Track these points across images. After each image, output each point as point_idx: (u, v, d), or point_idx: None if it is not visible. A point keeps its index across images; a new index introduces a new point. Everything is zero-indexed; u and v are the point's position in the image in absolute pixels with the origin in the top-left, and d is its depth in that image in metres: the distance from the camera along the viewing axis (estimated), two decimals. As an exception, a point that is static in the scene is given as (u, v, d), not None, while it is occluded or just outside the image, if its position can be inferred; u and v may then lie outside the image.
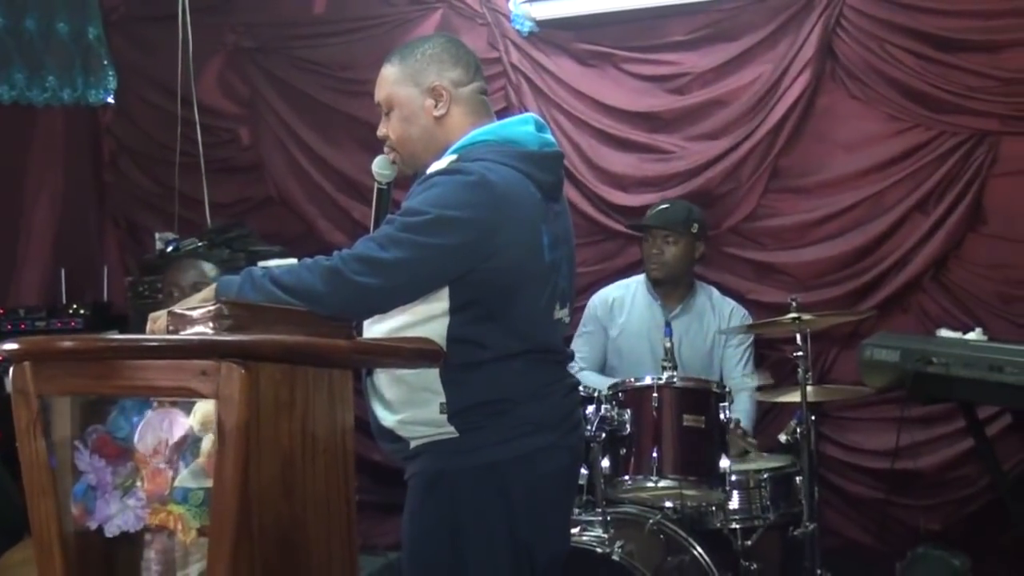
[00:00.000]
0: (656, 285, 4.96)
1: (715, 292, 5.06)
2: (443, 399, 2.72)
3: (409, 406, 2.76)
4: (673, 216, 4.89)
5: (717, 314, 4.98)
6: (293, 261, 3.74)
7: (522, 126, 2.90)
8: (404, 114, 2.88)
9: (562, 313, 2.91)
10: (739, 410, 4.64)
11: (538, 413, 2.79)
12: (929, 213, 4.95)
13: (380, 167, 2.95)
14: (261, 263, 2.79)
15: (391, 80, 2.89)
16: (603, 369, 4.98)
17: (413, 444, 2.78)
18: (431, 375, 2.72)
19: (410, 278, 2.64)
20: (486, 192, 2.66)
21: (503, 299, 2.72)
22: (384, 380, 2.79)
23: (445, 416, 2.72)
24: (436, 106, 2.86)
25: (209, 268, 4.61)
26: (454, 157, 2.77)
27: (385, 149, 2.95)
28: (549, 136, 2.96)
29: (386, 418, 2.79)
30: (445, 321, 2.70)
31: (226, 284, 2.61)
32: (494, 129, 2.86)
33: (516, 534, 2.76)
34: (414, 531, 2.80)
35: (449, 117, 2.87)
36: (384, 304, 2.68)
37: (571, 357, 3.10)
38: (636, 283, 5.07)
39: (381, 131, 2.94)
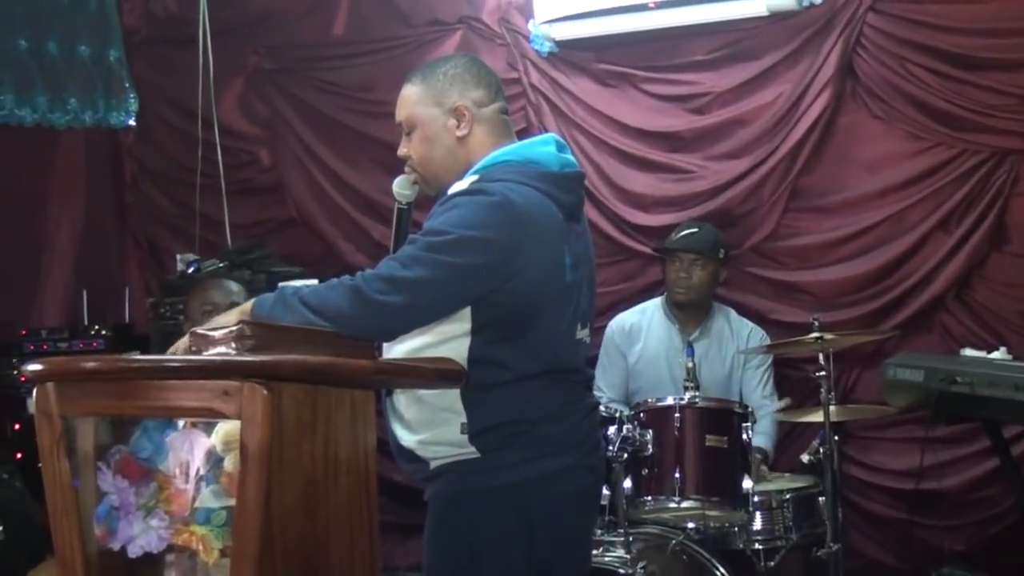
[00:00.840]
0: (678, 308, 4.95)
1: (732, 313, 5.04)
2: (464, 419, 2.71)
3: (429, 426, 2.74)
4: (702, 241, 4.88)
5: (736, 336, 4.96)
6: (315, 282, 3.75)
7: (543, 147, 2.89)
8: (426, 134, 2.86)
9: (583, 333, 2.90)
10: (761, 432, 4.63)
11: (558, 433, 2.78)
12: (951, 232, 4.93)
13: (400, 187, 2.95)
14: (283, 284, 2.78)
15: (413, 100, 2.88)
16: (626, 397, 4.95)
17: (433, 465, 2.77)
18: (452, 395, 2.70)
19: (432, 298, 2.63)
20: (509, 212, 2.66)
21: (524, 319, 2.71)
22: (404, 400, 2.78)
23: (466, 436, 2.71)
24: (459, 126, 2.85)
25: (236, 288, 4.61)
26: (476, 177, 2.76)
27: (406, 169, 2.94)
28: (570, 156, 2.95)
29: (406, 438, 2.77)
30: (466, 341, 2.69)
31: (261, 303, 2.62)
32: (515, 149, 2.85)
33: (535, 556, 2.74)
34: (434, 552, 2.79)
35: (471, 137, 2.85)
36: (407, 323, 2.67)
37: (591, 378, 3.08)
38: (653, 307, 5.06)
39: (402, 151, 2.92)
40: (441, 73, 2.88)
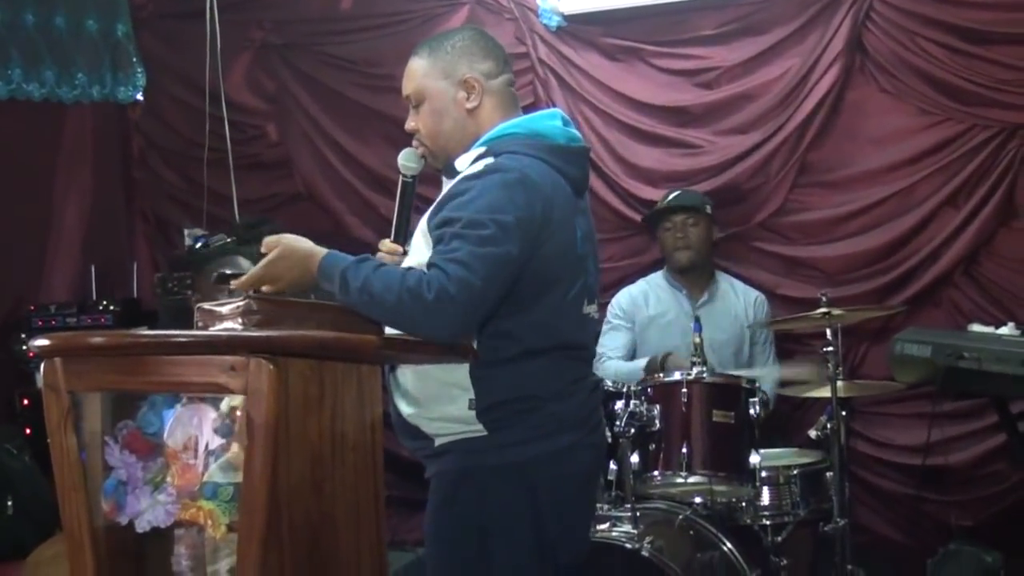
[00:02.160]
0: (681, 274, 4.97)
1: (735, 280, 5.08)
2: (472, 395, 2.71)
3: (436, 402, 2.75)
4: (690, 198, 4.95)
5: (742, 300, 5.00)
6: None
7: (550, 120, 2.89)
8: (436, 107, 2.86)
9: (590, 308, 2.91)
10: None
11: (564, 411, 2.78)
12: (960, 207, 4.91)
13: (407, 159, 2.94)
14: (351, 265, 2.74)
15: (421, 73, 2.87)
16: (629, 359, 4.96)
17: (438, 442, 2.77)
18: (460, 371, 2.71)
19: (491, 292, 2.60)
20: (530, 188, 2.67)
21: (537, 292, 2.72)
22: (409, 375, 2.77)
23: (474, 413, 2.71)
24: (468, 99, 2.85)
25: (246, 264, 4.62)
26: (483, 149, 2.77)
27: (414, 143, 2.93)
28: (575, 131, 2.95)
29: (411, 414, 2.78)
30: None
31: (330, 265, 2.61)
32: (522, 122, 2.85)
33: (542, 533, 2.76)
34: (440, 531, 2.79)
35: (480, 109, 2.85)
36: (470, 322, 2.62)
37: (595, 355, 3.09)
38: (656, 278, 5.09)
39: (410, 124, 2.92)
40: (449, 45, 2.87)
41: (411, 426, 2.78)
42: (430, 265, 2.57)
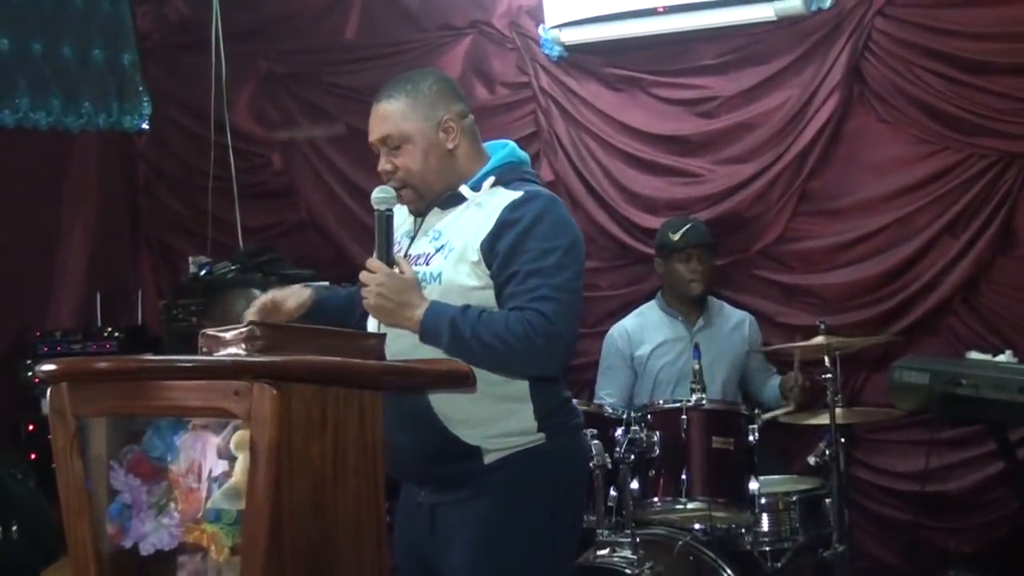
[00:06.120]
0: (684, 304, 5.01)
1: (724, 303, 5.13)
2: (532, 407, 2.87)
3: (496, 421, 2.87)
4: (703, 232, 4.99)
5: (736, 321, 5.06)
6: (326, 284, 3.80)
7: (519, 150, 3.09)
8: (422, 148, 2.95)
9: None
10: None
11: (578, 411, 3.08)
12: (958, 236, 4.93)
13: (384, 193, 2.96)
14: (457, 315, 2.85)
15: (400, 116, 2.96)
16: (630, 403, 4.92)
17: (493, 458, 2.87)
18: (514, 385, 2.86)
19: (575, 317, 2.85)
20: (560, 204, 2.92)
21: None
22: (458, 401, 2.84)
23: (536, 424, 2.88)
24: (448, 139, 2.96)
25: (259, 295, 4.65)
26: (492, 180, 2.93)
27: (393, 184, 2.97)
28: None
29: (470, 436, 2.86)
30: None
31: (434, 320, 2.78)
32: (511, 152, 3.04)
33: (578, 527, 3.11)
34: (508, 542, 2.87)
35: (459, 149, 2.98)
36: (573, 349, 2.89)
37: None
38: (649, 308, 5.11)
39: (386, 166, 2.98)
40: (426, 88, 2.98)
41: (468, 448, 2.87)
42: (516, 308, 2.76)
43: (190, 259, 5.86)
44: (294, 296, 3.08)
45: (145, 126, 6.17)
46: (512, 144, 3.08)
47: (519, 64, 5.58)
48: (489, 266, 2.83)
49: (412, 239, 3.02)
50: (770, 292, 5.27)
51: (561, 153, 5.49)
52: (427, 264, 2.92)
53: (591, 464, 3.87)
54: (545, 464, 2.88)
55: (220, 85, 5.84)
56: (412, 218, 3.06)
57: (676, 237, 4.96)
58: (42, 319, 5.89)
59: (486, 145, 3.07)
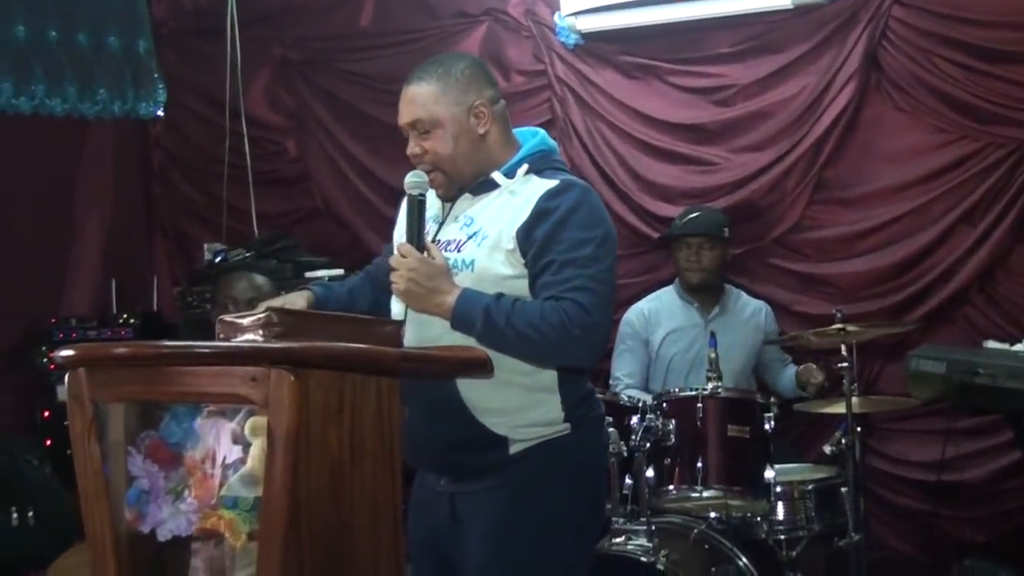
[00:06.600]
0: (692, 291, 5.00)
1: (741, 291, 5.13)
2: (559, 397, 2.86)
3: (525, 410, 2.85)
4: (706, 223, 4.95)
5: (751, 309, 5.06)
6: (340, 272, 3.78)
7: (548, 138, 3.05)
8: (452, 133, 2.91)
9: None
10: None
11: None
12: (975, 225, 4.93)
13: (416, 178, 2.93)
14: (491, 304, 2.85)
15: (431, 99, 2.92)
16: (646, 384, 4.98)
17: (518, 448, 2.85)
18: (543, 375, 2.85)
19: (610, 307, 2.85)
20: (598, 200, 2.91)
21: None
22: (485, 390, 2.82)
23: (563, 414, 2.87)
24: (479, 125, 2.92)
25: (262, 281, 4.67)
26: (525, 167, 2.90)
27: (421, 167, 2.95)
28: None
29: (497, 425, 2.84)
30: None
31: (467, 307, 2.76)
32: (543, 140, 3.00)
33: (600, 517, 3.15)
34: (530, 532, 2.86)
35: (489, 134, 2.94)
36: (608, 339, 2.94)
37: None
38: (666, 293, 5.11)
39: (415, 150, 2.95)
40: (458, 72, 2.94)
41: (495, 437, 2.85)
42: (552, 297, 2.73)
43: (205, 246, 5.86)
44: (289, 304, 2.96)
45: (160, 113, 6.16)
46: (543, 132, 3.04)
47: (535, 52, 5.57)
48: (524, 255, 2.80)
49: (440, 224, 2.98)
50: (786, 281, 5.26)
51: (577, 141, 5.48)
52: (458, 251, 2.88)
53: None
54: (567, 455, 2.87)
55: (235, 72, 5.83)
56: (440, 203, 3.01)
57: (678, 224, 4.98)
58: (57, 306, 5.90)
59: (515, 132, 3.03)
